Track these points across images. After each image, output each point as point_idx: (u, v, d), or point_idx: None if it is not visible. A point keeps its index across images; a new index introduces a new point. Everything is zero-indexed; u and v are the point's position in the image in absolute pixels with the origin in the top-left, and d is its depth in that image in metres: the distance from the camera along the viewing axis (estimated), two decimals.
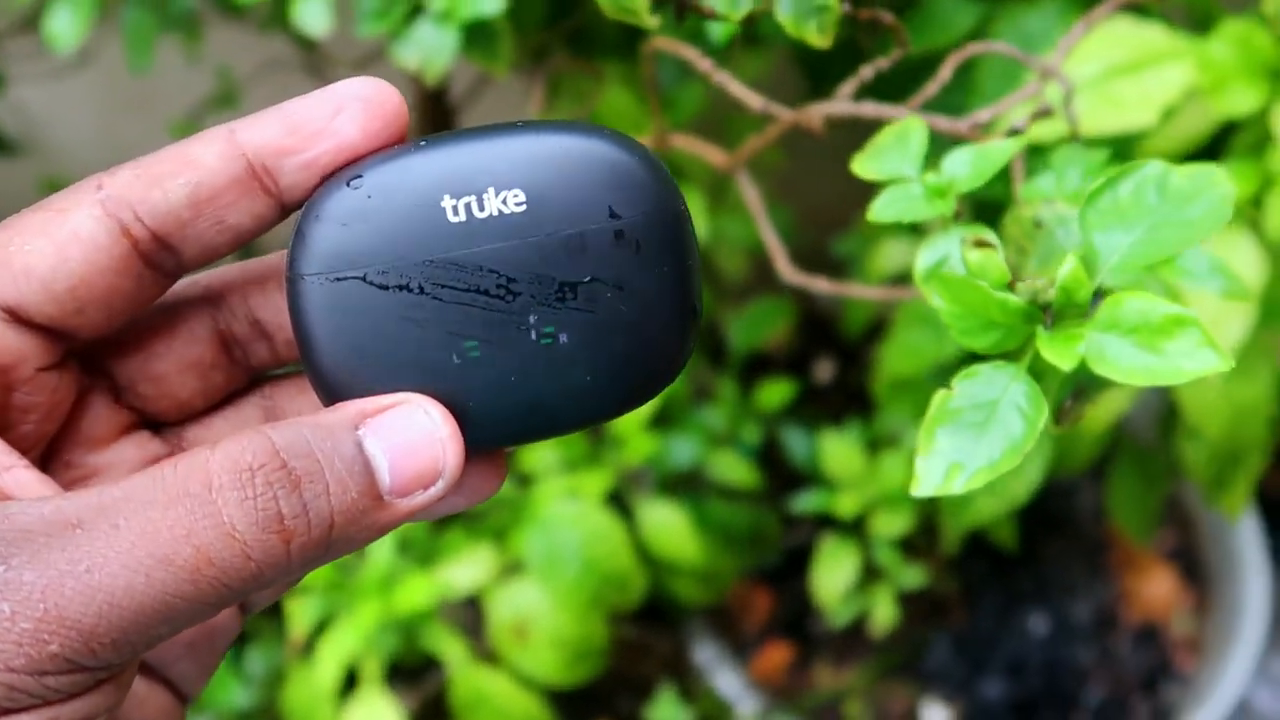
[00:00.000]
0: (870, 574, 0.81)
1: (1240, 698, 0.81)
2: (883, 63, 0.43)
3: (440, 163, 0.25)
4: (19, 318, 0.25)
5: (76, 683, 0.21)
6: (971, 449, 0.26)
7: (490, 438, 0.26)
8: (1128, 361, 0.25)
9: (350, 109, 0.25)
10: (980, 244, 0.27)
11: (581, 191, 0.25)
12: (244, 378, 0.29)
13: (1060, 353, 0.25)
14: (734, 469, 0.80)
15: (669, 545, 0.75)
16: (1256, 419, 0.63)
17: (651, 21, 0.31)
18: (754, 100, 0.41)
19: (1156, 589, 0.87)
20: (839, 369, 0.98)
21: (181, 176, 0.25)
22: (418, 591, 0.66)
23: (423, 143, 0.25)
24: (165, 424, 0.29)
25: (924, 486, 0.26)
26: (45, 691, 0.21)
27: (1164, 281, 0.51)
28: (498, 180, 0.25)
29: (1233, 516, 0.70)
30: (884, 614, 0.80)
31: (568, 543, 0.69)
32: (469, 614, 0.75)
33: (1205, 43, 0.53)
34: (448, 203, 0.25)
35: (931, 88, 0.40)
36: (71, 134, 1.00)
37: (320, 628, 0.69)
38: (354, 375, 0.25)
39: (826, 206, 0.84)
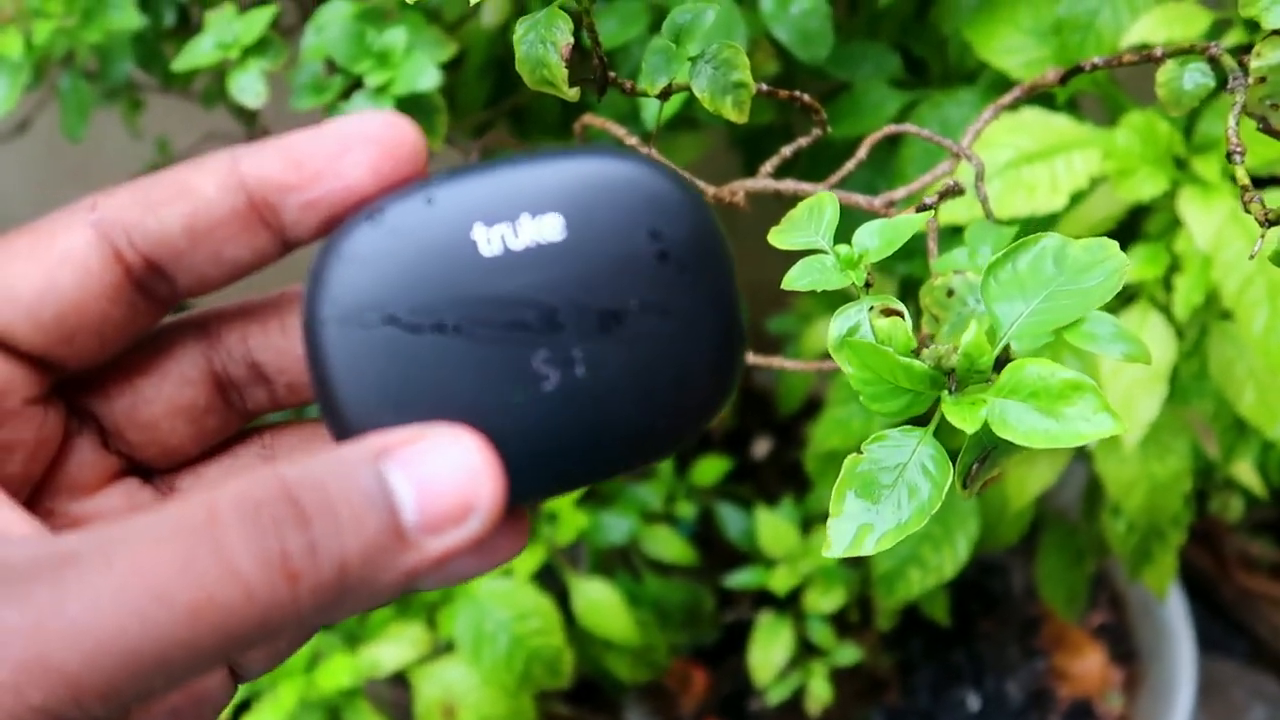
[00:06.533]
0: (806, 651, 0.81)
1: None
2: (803, 142, 0.44)
3: (469, 191, 0.23)
4: (3, 345, 0.23)
5: None
6: (880, 511, 0.26)
7: (533, 486, 0.23)
8: (1028, 425, 0.25)
9: (359, 150, 0.23)
10: (888, 312, 0.28)
11: (621, 214, 0.23)
12: (239, 423, 0.27)
13: (964, 416, 0.26)
14: (669, 545, 0.79)
15: (602, 622, 0.74)
16: (1174, 494, 0.64)
17: (571, 93, 0.32)
18: None
19: (1087, 666, 0.88)
20: (776, 447, 0.99)
21: (178, 205, 0.23)
22: (341, 670, 0.64)
23: (448, 173, 0.23)
24: (155, 471, 0.27)
25: (836, 548, 0.27)
26: None
27: (1075, 350, 0.52)
28: (532, 206, 0.23)
29: (1159, 591, 0.71)
30: (819, 691, 0.80)
31: (496, 620, 0.68)
32: (398, 694, 0.74)
33: (1111, 132, 0.56)
34: (479, 233, 0.23)
35: (849, 165, 0.42)
36: (5, 205, 0.99)
37: (242, 709, 0.67)
38: (382, 425, 0.22)
39: (768, 287, 0.86)
